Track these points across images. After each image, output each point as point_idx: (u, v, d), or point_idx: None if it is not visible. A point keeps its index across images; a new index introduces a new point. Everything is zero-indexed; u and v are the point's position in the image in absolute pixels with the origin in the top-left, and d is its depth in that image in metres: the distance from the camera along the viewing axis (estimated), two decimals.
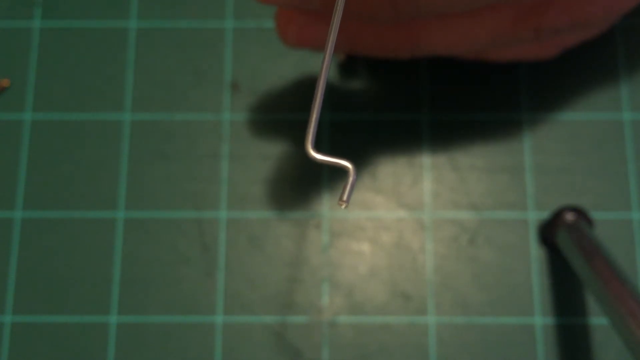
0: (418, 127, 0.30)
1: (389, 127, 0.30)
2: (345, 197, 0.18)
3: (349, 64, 0.30)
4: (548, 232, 0.28)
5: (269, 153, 0.29)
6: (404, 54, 0.26)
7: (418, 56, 0.27)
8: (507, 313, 0.28)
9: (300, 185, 0.29)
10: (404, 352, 0.27)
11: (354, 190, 0.19)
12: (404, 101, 0.30)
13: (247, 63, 0.30)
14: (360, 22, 0.25)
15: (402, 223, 0.29)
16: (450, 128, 0.30)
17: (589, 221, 0.28)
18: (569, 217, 0.27)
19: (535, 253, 0.28)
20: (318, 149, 0.27)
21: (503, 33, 0.25)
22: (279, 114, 0.30)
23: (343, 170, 0.29)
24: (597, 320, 0.28)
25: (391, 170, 0.29)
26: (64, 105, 0.30)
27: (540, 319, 0.28)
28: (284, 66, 0.30)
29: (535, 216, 0.29)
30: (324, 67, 0.18)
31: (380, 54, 0.27)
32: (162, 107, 0.30)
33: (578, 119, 0.30)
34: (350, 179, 0.18)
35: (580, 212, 0.28)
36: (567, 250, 0.26)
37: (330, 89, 0.30)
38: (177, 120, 0.30)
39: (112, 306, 0.28)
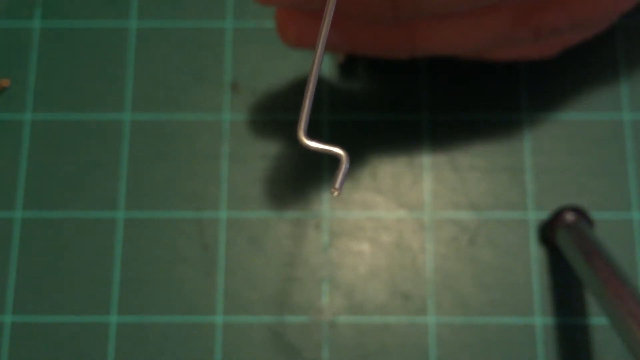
0: (418, 127, 0.30)
1: (389, 127, 0.30)
2: (337, 185, 0.18)
3: (349, 64, 0.30)
4: (548, 232, 0.28)
5: (269, 153, 0.29)
6: (404, 54, 0.26)
7: (418, 56, 0.27)
8: (507, 313, 0.28)
9: (301, 185, 0.29)
10: (404, 352, 0.27)
11: (346, 178, 0.19)
12: (404, 101, 0.30)
13: (247, 63, 0.30)
14: (359, 22, 0.25)
15: (402, 223, 0.29)
16: (450, 128, 0.30)
17: (589, 221, 0.28)
18: (569, 217, 0.27)
19: (535, 253, 0.28)
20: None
21: (502, 33, 0.25)
22: (279, 114, 0.30)
23: None
24: (597, 320, 0.28)
25: (391, 170, 0.29)
26: (64, 105, 0.30)
27: (540, 319, 0.28)
28: (284, 66, 0.30)
29: (535, 216, 0.29)
30: (317, 53, 0.18)
31: (380, 54, 0.27)
32: (162, 107, 0.30)
33: (578, 119, 0.30)
34: (343, 167, 0.18)
35: (580, 212, 0.28)
36: (567, 250, 0.26)
37: (330, 89, 0.30)
38: (177, 120, 0.30)
39: (112, 306, 0.28)
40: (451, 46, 0.26)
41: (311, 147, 0.18)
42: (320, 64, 0.18)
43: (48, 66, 0.31)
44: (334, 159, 0.29)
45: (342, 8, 0.23)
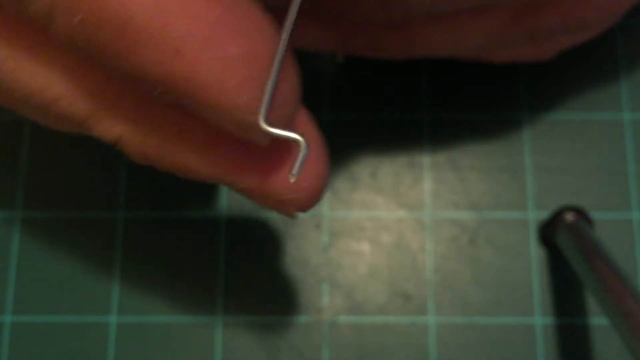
0: (418, 127, 0.30)
1: (389, 127, 0.30)
2: (294, 171, 0.17)
3: (348, 64, 0.30)
4: (548, 232, 0.28)
5: None
6: (400, 55, 0.26)
7: (413, 57, 0.27)
8: (507, 313, 0.28)
9: None
10: (404, 352, 0.27)
11: (304, 164, 0.18)
12: (404, 101, 0.30)
13: None
14: (352, 22, 0.25)
15: (402, 223, 0.29)
16: (450, 128, 0.30)
17: (589, 221, 0.28)
18: (569, 217, 0.27)
19: (535, 253, 0.28)
20: None
21: (497, 34, 0.25)
22: None
23: (343, 170, 0.29)
24: (597, 320, 0.28)
25: (391, 170, 0.29)
26: None
27: (540, 319, 0.28)
28: None
29: (535, 216, 0.29)
30: (286, 24, 0.18)
31: (376, 55, 0.27)
32: None
33: (578, 119, 0.30)
34: (301, 153, 0.17)
35: (580, 212, 0.28)
36: (567, 250, 0.26)
37: (330, 89, 0.30)
38: None
39: (112, 306, 0.28)
40: (446, 47, 0.26)
41: (270, 132, 0.17)
42: (287, 42, 0.17)
43: None
44: (334, 159, 0.29)
45: (335, 8, 0.23)
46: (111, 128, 0.18)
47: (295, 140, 0.17)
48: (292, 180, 0.17)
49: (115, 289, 0.28)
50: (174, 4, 0.15)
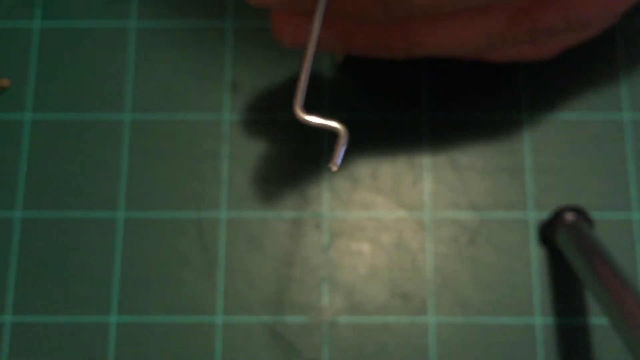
0: (418, 127, 0.30)
1: (389, 127, 0.30)
2: (336, 160, 0.18)
3: (348, 64, 0.30)
4: (548, 232, 0.28)
5: (269, 153, 0.29)
6: (400, 55, 0.26)
7: (413, 57, 0.27)
8: (507, 313, 0.28)
9: (300, 185, 0.29)
10: (404, 352, 0.27)
11: (344, 153, 0.19)
12: (404, 101, 0.30)
13: (247, 63, 0.30)
14: (353, 22, 0.25)
15: (402, 223, 0.29)
16: (450, 128, 0.30)
17: (589, 221, 0.28)
18: (569, 217, 0.27)
19: (535, 253, 0.28)
20: (318, 149, 0.27)
21: (497, 34, 0.25)
22: (279, 114, 0.30)
23: (344, 170, 0.29)
24: (597, 320, 0.28)
25: (391, 170, 0.29)
26: (64, 105, 0.30)
27: (540, 319, 0.28)
28: (283, 66, 0.30)
29: (535, 216, 0.29)
30: (314, 25, 0.18)
31: (376, 55, 0.27)
32: (162, 107, 0.30)
33: (578, 119, 0.30)
34: (342, 142, 0.18)
35: (580, 212, 0.28)
36: (567, 250, 0.26)
37: (330, 89, 0.30)
38: (177, 120, 0.30)
39: (112, 306, 0.28)
40: (446, 47, 0.26)
41: (308, 121, 0.18)
42: (317, 39, 0.18)
43: (48, 66, 0.31)
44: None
45: (334, 7, 0.23)
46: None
47: (333, 129, 0.18)
48: (334, 169, 0.18)
49: (115, 289, 0.28)
50: None
